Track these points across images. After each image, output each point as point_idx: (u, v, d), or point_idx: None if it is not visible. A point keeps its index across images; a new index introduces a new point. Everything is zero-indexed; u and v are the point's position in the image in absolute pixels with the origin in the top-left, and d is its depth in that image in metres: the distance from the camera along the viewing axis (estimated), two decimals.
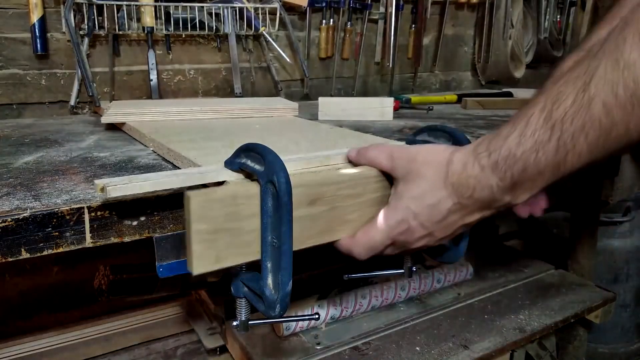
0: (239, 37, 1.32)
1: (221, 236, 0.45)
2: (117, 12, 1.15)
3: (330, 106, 1.06)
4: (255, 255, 0.48)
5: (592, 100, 0.39)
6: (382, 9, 1.54)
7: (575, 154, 0.42)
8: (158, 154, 0.71)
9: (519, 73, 1.78)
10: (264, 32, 1.32)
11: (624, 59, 0.38)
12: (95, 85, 1.15)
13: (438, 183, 0.49)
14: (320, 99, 1.06)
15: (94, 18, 1.12)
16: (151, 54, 1.20)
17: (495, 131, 0.47)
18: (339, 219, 0.53)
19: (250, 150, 0.49)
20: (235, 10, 1.27)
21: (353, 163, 0.57)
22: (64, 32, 1.12)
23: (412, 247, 0.53)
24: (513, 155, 0.44)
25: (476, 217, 0.50)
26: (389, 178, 0.54)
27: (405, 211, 0.50)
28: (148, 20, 1.16)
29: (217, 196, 0.44)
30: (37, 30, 1.07)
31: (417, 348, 0.81)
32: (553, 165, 0.43)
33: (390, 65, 1.54)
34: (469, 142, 0.58)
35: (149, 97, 1.24)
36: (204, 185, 0.50)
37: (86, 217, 0.48)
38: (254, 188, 0.47)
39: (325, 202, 0.51)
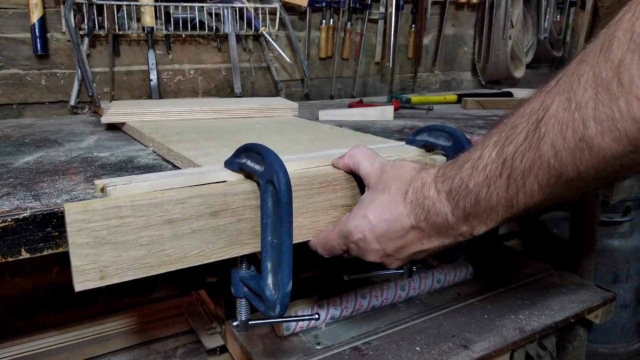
0: (239, 37, 1.32)
1: (106, 251, 0.42)
2: (117, 12, 1.15)
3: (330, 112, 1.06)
4: (153, 270, 0.45)
5: (541, 140, 0.37)
6: (382, 9, 1.54)
7: (526, 194, 0.39)
8: (158, 154, 0.71)
9: (519, 73, 1.78)
10: (264, 32, 1.32)
11: (577, 98, 0.34)
12: (95, 85, 1.15)
13: (398, 198, 0.48)
14: (320, 112, 1.06)
15: (94, 18, 1.12)
16: (151, 54, 1.20)
17: (457, 156, 0.46)
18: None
19: (250, 150, 0.49)
20: (235, 10, 1.27)
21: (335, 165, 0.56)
22: (64, 32, 1.12)
23: (368, 259, 0.52)
24: (465, 187, 0.43)
25: (435, 243, 0.48)
26: (360, 183, 0.54)
27: (363, 220, 0.50)
28: (148, 20, 1.16)
29: (96, 207, 0.41)
30: (37, 30, 1.07)
31: (417, 348, 0.81)
32: (505, 203, 0.41)
33: (390, 65, 1.54)
34: (468, 141, 0.57)
35: (149, 97, 1.24)
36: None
37: None
38: (142, 197, 0.43)
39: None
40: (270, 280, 0.48)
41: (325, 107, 1.27)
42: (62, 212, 0.44)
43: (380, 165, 0.52)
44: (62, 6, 1.09)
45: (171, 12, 1.20)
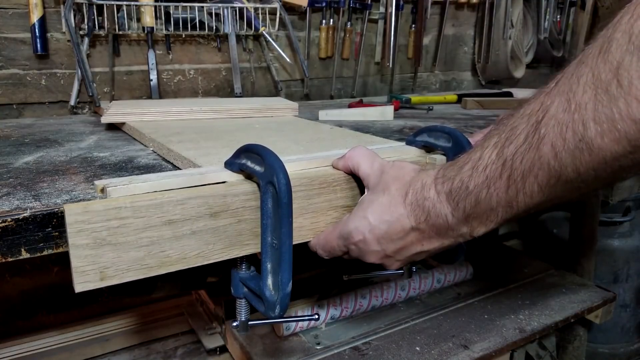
0: (239, 37, 1.32)
1: (106, 251, 0.42)
2: (117, 12, 1.15)
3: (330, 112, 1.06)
4: (153, 271, 0.45)
5: (541, 141, 0.37)
6: (382, 9, 1.54)
7: (526, 194, 0.40)
8: (158, 154, 0.71)
9: (519, 73, 1.78)
10: (264, 32, 1.32)
11: (576, 99, 0.34)
12: (95, 85, 1.15)
13: (398, 199, 0.48)
14: (320, 112, 1.06)
15: (94, 18, 1.12)
16: (151, 54, 1.20)
17: (456, 157, 0.46)
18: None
19: (250, 151, 0.49)
20: (235, 10, 1.27)
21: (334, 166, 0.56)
22: (64, 32, 1.12)
23: (368, 260, 0.52)
24: (465, 188, 0.43)
25: (435, 244, 0.48)
26: (360, 184, 0.54)
27: (363, 221, 0.49)
28: (148, 20, 1.16)
29: (97, 208, 0.41)
30: (37, 30, 1.07)
31: (417, 348, 0.81)
32: (505, 204, 0.41)
33: (390, 65, 1.54)
34: (468, 142, 0.57)
35: (149, 97, 1.24)
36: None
37: None
38: (142, 198, 0.43)
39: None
40: (270, 281, 0.48)
41: (325, 107, 1.27)
42: (62, 212, 0.44)
43: (380, 166, 0.52)
44: (62, 6, 1.09)
45: (171, 12, 1.20)
